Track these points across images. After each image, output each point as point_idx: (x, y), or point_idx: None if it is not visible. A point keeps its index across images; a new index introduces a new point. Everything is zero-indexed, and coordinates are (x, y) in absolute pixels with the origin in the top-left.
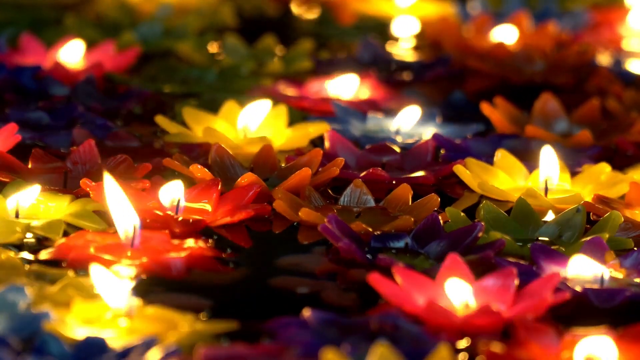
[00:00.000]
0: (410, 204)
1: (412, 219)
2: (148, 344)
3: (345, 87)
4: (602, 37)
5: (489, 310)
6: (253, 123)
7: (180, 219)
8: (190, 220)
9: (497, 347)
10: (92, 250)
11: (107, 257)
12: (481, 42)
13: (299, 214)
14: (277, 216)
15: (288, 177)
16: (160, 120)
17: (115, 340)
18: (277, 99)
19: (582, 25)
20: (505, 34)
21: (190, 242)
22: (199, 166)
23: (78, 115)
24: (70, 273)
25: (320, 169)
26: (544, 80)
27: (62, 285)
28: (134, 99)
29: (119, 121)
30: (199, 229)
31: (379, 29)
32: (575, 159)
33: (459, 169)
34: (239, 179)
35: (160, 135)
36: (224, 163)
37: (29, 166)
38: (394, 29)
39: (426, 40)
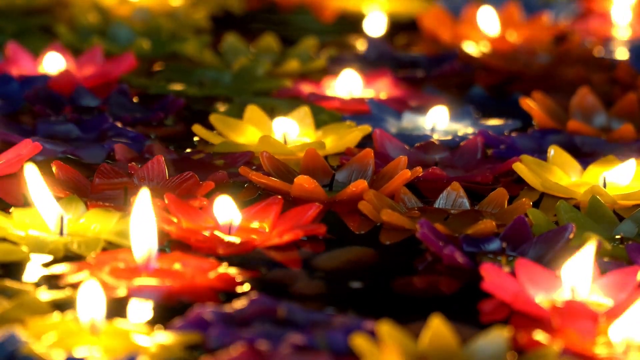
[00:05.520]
0: (505, 207)
1: (494, 222)
2: None
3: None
4: (592, 27)
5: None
6: (292, 129)
7: (227, 240)
8: (237, 242)
9: (539, 336)
10: (105, 270)
11: (107, 277)
12: (478, 35)
13: (381, 215)
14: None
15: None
16: (199, 130)
17: None
18: (308, 99)
19: (572, 15)
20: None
21: (213, 270)
22: (305, 177)
23: (108, 128)
24: (30, 289)
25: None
26: (554, 74)
27: (15, 303)
28: (169, 108)
29: (152, 132)
30: (247, 251)
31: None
32: (620, 154)
33: (518, 166)
34: (350, 186)
35: (198, 144)
36: (281, 171)
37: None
38: (380, 24)
39: (422, 34)
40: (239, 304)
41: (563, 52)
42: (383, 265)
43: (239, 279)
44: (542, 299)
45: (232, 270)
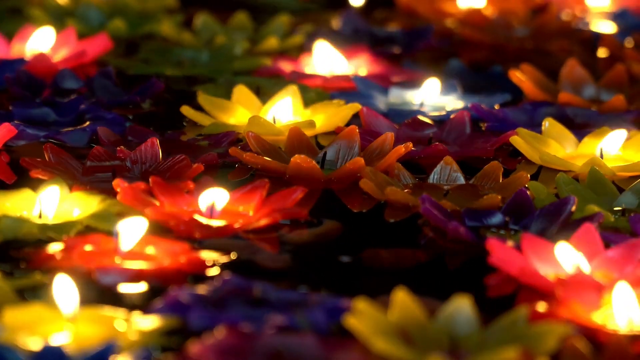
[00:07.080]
0: (500, 180)
1: (499, 197)
2: (108, 349)
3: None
4: None
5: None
6: (285, 111)
7: (205, 223)
8: (215, 226)
9: (541, 307)
10: (75, 253)
11: (76, 261)
12: (456, 9)
13: (386, 192)
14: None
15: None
16: (187, 111)
17: (69, 347)
18: (291, 78)
19: None
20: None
21: (182, 254)
22: (303, 156)
23: (85, 110)
24: None
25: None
26: (535, 47)
27: None
28: (151, 91)
29: (130, 114)
30: (226, 235)
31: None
32: (614, 124)
33: (516, 140)
34: (347, 164)
35: (187, 125)
36: (268, 151)
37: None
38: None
39: (398, 9)
40: (212, 284)
41: (541, 24)
42: (353, 239)
43: (208, 262)
44: (547, 272)
45: (202, 253)
